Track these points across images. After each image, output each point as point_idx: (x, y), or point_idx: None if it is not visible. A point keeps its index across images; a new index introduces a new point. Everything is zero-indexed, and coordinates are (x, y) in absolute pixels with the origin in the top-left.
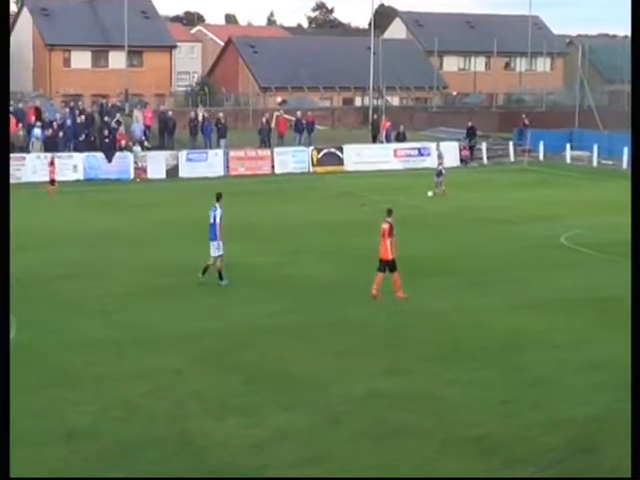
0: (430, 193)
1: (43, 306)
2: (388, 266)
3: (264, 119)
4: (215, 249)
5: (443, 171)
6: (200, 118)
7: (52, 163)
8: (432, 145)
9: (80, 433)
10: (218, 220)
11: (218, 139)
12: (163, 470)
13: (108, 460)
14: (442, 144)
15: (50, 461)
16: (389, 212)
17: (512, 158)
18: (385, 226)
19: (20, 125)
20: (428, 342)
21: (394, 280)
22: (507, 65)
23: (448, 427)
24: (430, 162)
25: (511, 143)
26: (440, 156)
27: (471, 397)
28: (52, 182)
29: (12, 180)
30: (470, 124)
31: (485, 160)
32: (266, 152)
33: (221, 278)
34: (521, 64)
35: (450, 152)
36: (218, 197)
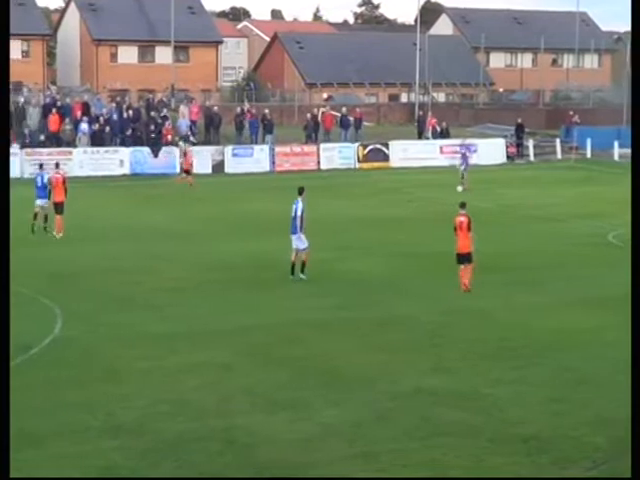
0: (459, 188)
1: (92, 300)
2: (466, 258)
3: (310, 115)
4: (299, 242)
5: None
6: (240, 110)
7: (185, 154)
8: (478, 142)
9: (126, 429)
10: (299, 213)
11: (264, 135)
12: (208, 468)
13: (152, 458)
14: (487, 141)
15: (93, 458)
16: (463, 205)
17: (559, 155)
18: (463, 219)
19: (67, 120)
20: (474, 340)
21: (468, 271)
22: (554, 62)
23: (495, 425)
24: (477, 158)
25: (558, 140)
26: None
27: (518, 395)
28: (187, 172)
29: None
30: (519, 121)
31: (532, 157)
32: (312, 148)
33: (302, 271)
34: (568, 61)
35: (497, 149)
36: (300, 191)
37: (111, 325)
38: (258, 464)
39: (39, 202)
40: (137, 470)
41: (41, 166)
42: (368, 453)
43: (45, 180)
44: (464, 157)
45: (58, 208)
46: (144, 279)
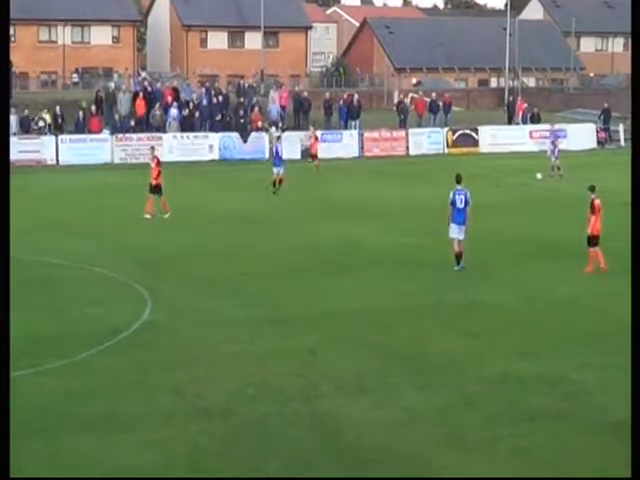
0: (539, 175)
1: (180, 285)
2: (591, 241)
3: (405, 99)
4: (462, 232)
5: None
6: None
7: (316, 138)
8: (568, 127)
9: (213, 412)
10: (462, 205)
11: (352, 120)
12: (293, 452)
13: (238, 442)
14: (578, 126)
15: (180, 442)
16: (593, 188)
17: None
18: (599, 202)
19: (157, 105)
20: (562, 326)
21: (599, 255)
22: None
23: (583, 411)
24: (566, 144)
25: None
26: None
27: (607, 381)
28: (314, 157)
29: (148, 160)
30: (606, 105)
31: (622, 142)
32: (401, 133)
33: (458, 262)
34: None
35: (587, 134)
36: (459, 179)
37: (199, 310)
38: (344, 448)
39: (275, 170)
40: (222, 454)
41: (278, 138)
42: (455, 438)
43: (280, 152)
44: (553, 144)
45: (157, 189)
46: (231, 264)
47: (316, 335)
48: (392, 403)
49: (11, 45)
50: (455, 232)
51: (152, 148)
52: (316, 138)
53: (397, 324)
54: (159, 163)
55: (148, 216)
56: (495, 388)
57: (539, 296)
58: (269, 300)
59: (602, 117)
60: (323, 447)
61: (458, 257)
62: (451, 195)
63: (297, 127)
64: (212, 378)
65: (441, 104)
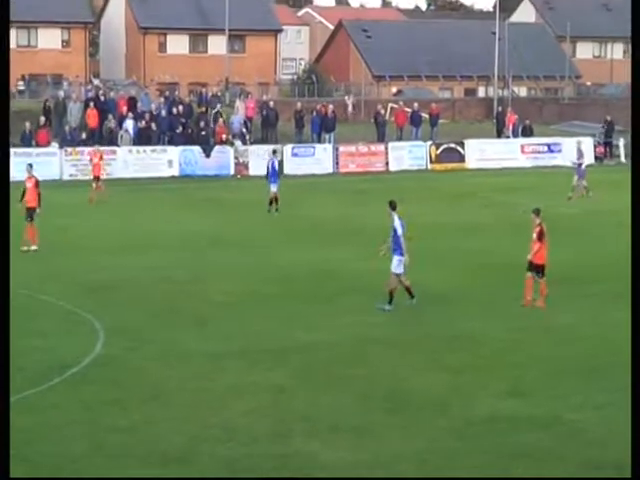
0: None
1: (136, 314)
2: (541, 271)
3: (382, 110)
4: (402, 265)
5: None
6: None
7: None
8: (563, 140)
9: (174, 456)
10: (400, 231)
11: (326, 133)
12: None
13: None
14: (574, 140)
15: None
16: (538, 212)
17: None
18: (544, 227)
19: (111, 116)
20: (555, 360)
21: (543, 287)
22: None
23: (580, 454)
24: (561, 159)
25: None
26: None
27: (605, 422)
28: (97, 179)
29: (103, 176)
30: (609, 118)
31: (623, 158)
32: (380, 147)
33: (390, 302)
34: None
35: (584, 149)
36: (394, 205)
37: (156, 342)
38: None
39: (272, 187)
40: None
41: (274, 152)
42: None
43: (276, 166)
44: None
45: (29, 214)
46: (193, 292)
47: (286, 370)
48: (370, 445)
49: None
50: (402, 266)
51: (29, 165)
52: (100, 157)
53: (374, 358)
54: (38, 184)
55: (34, 247)
56: (483, 429)
57: (528, 326)
58: (234, 332)
59: (605, 130)
60: None
61: (409, 290)
62: (399, 222)
63: (265, 140)
64: (171, 418)
65: (426, 115)
